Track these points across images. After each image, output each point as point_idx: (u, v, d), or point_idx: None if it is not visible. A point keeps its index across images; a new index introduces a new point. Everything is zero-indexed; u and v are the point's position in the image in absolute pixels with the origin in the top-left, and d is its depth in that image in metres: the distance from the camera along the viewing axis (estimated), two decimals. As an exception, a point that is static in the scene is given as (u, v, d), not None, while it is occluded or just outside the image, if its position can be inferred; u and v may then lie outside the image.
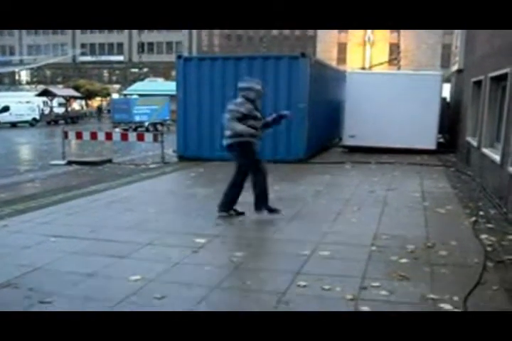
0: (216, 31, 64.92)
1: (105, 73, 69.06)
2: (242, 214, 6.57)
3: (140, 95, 34.98)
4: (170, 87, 24.66)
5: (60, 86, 54.56)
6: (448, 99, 17.74)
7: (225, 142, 6.37)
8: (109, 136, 13.76)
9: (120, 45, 67.08)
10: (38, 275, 4.38)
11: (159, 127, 28.13)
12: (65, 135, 13.52)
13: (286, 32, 63.14)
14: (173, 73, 17.36)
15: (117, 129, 25.32)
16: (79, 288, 4.07)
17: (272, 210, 6.51)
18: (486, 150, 9.01)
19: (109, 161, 13.13)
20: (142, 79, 48.50)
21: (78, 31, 67.71)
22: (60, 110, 41.06)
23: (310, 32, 59.14)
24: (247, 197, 6.54)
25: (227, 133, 6.28)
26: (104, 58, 67.01)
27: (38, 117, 37.76)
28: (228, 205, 6.54)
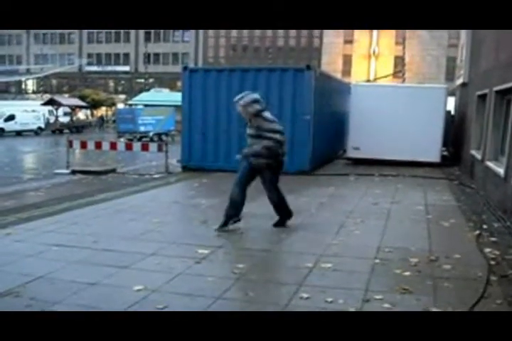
0: (222, 42, 65.41)
1: (111, 83, 69.52)
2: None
3: (145, 105, 35.17)
4: (175, 97, 24.81)
5: (66, 95, 54.99)
6: (452, 112, 17.76)
7: None
8: (113, 145, 13.81)
9: (126, 55, 67.56)
10: (40, 284, 4.37)
11: (164, 137, 28.23)
12: (70, 144, 13.60)
13: (292, 43, 63.56)
14: (179, 84, 17.46)
15: (122, 139, 25.43)
16: (81, 298, 4.07)
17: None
18: (490, 164, 9.00)
19: (113, 171, 13.16)
20: (148, 90, 48.72)
21: (85, 41, 68.31)
22: (65, 119, 41.31)
23: (315, 43, 59.53)
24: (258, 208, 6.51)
25: None
26: (110, 68, 67.49)
27: (43, 126, 38.01)
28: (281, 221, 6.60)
